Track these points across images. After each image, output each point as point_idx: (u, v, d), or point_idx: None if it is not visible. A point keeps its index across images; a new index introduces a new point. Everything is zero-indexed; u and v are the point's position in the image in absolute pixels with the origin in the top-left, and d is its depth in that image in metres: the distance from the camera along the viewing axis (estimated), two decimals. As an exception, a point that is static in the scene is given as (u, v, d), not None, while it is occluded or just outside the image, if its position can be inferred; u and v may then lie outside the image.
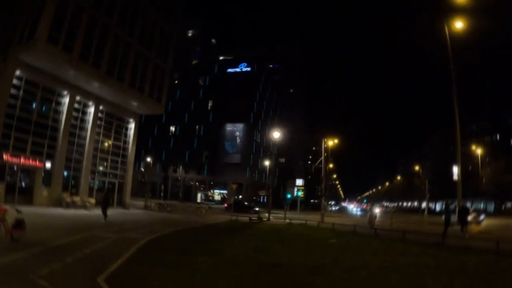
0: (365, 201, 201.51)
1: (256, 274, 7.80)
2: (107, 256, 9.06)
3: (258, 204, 61.07)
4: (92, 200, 27.08)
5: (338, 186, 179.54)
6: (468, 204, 29.06)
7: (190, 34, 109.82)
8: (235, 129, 76.99)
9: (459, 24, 20.87)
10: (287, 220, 29.62)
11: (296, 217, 33.92)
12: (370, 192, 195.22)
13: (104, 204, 19.80)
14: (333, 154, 75.35)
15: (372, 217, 26.18)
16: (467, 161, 63.50)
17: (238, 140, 76.85)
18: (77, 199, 26.43)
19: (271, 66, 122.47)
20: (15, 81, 23.16)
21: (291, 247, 12.65)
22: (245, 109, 76.71)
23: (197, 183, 78.38)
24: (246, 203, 55.63)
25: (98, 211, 23.70)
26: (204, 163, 78.12)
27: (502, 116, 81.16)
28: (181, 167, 78.95)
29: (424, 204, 58.46)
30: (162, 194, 52.87)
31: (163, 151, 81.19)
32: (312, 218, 31.23)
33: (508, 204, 64.79)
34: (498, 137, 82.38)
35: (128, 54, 29.79)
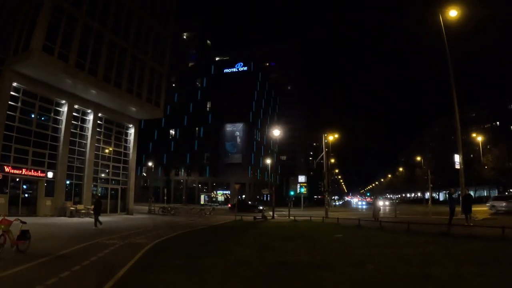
0: (368, 194, 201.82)
1: (265, 272, 7.79)
2: (114, 263, 9.05)
3: (261, 202, 61.07)
4: (96, 208, 27.06)
5: (341, 180, 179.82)
6: (471, 192, 28.79)
7: (185, 37, 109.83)
8: (235, 129, 76.98)
9: (454, 13, 20.83)
10: (291, 217, 29.67)
11: (300, 214, 33.98)
12: (373, 185, 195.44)
13: (97, 211, 19.45)
14: (334, 149, 75.54)
15: (376, 209, 26.21)
16: (468, 149, 63.48)
17: (239, 140, 76.84)
18: (80, 207, 26.46)
19: (267, 64, 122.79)
20: (12, 93, 23.17)
21: (297, 244, 12.63)
22: (243, 109, 76.69)
23: (199, 185, 78.44)
24: (249, 202, 55.72)
25: (102, 219, 23.75)
26: (206, 165, 78.15)
27: (502, 102, 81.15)
28: (183, 170, 79.03)
29: (427, 194, 58.40)
30: (165, 198, 52.87)
31: (164, 154, 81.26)
32: (316, 214, 31.26)
33: (512, 190, 64.75)
34: (498, 123, 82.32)
35: (124, 59, 29.79)
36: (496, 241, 11.69)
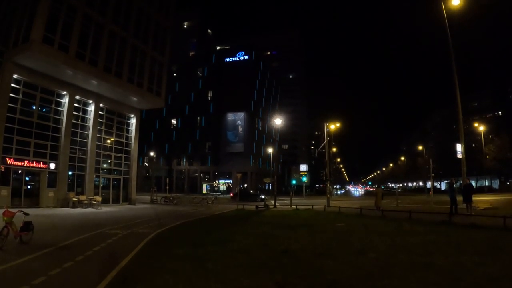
0: (370, 183, 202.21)
1: (267, 260, 7.84)
2: (117, 253, 9.12)
3: (263, 191, 61.28)
4: (98, 198, 27.20)
5: (343, 169, 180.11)
6: (473, 182, 28.84)
7: (185, 26, 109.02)
8: (236, 118, 76.74)
9: (457, 1, 20.60)
10: (293, 206, 29.76)
11: (302, 203, 34.06)
12: (375, 174, 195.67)
13: None
14: (336, 137, 75.49)
15: (378, 198, 26.21)
16: (470, 138, 63.36)
17: (240, 129, 76.64)
18: (83, 198, 26.54)
19: (269, 53, 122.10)
20: (13, 85, 23.08)
21: (299, 233, 12.69)
22: (245, 98, 76.35)
23: (201, 175, 78.57)
24: (251, 191, 55.86)
25: (105, 209, 23.94)
26: (208, 154, 78.17)
27: (504, 92, 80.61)
28: (184, 160, 79.14)
29: (429, 184, 58.45)
30: (167, 188, 52.95)
31: (166, 144, 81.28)
32: (318, 203, 31.36)
33: (513, 180, 64.82)
34: (500, 113, 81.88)
35: (125, 49, 29.63)
36: (497, 230, 11.74)
